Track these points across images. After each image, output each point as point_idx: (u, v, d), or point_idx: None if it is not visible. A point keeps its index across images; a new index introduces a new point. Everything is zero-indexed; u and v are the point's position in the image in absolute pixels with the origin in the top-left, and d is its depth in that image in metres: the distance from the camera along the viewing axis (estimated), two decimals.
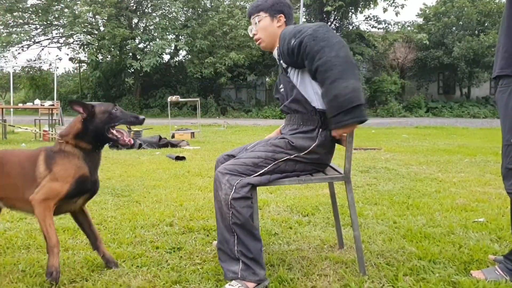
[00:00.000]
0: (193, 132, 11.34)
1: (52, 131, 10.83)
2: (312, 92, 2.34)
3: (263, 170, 2.26)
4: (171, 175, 5.66)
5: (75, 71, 33.47)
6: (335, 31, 2.26)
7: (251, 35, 2.57)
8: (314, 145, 2.32)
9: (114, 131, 2.37)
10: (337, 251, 2.75)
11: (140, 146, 8.66)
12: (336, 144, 2.45)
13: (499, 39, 2.32)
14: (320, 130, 2.33)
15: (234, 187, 2.16)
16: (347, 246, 2.82)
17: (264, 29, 2.48)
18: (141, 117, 2.40)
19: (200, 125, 13.03)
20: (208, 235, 3.08)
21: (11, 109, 14.04)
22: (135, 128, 11.17)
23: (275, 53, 2.49)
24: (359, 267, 2.36)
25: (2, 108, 11.22)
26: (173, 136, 10.90)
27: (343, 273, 2.38)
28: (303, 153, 2.33)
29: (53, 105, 10.81)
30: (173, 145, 9.03)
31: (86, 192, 2.39)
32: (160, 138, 9.26)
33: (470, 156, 7.91)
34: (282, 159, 2.31)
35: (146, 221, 3.42)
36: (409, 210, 3.77)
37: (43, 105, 10.81)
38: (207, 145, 10.08)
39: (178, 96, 12.13)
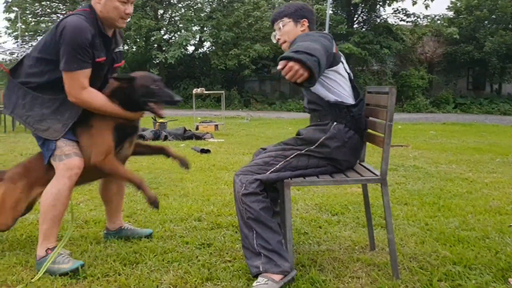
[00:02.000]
0: (217, 125, 11.34)
1: None
2: (322, 88, 2.39)
3: (274, 168, 2.32)
4: (197, 168, 5.68)
5: None
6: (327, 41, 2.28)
7: (274, 41, 2.62)
8: (324, 137, 2.34)
9: (150, 104, 2.44)
10: (369, 252, 2.71)
11: (165, 138, 8.72)
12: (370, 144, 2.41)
13: None
14: (335, 123, 2.36)
15: (244, 184, 2.26)
16: (379, 248, 2.78)
17: (288, 32, 2.52)
18: (177, 98, 2.43)
19: (224, 117, 13.03)
20: (236, 232, 3.06)
21: None
22: (160, 120, 11.25)
23: None
24: (393, 271, 2.31)
25: None
26: (197, 128, 10.93)
27: (375, 276, 2.34)
28: (314, 146, 2.35)
29: None
30: (198, 138, 9.05)
31: (128, 136, 2.55)
32: (185, 130, 9.30)
33: (502, 155, 7.71)
34: (293, 155, 2.35)
35: (175, 215, 3.43)
36: (440, 212, 3.69)
37: None
38: (230, 137, 10.08)
39: (203, 89, 12.17)
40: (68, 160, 2.35)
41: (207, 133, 9.71)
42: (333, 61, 2.35)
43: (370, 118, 2.50)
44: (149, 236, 2.90)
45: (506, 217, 3.59)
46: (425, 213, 3.66)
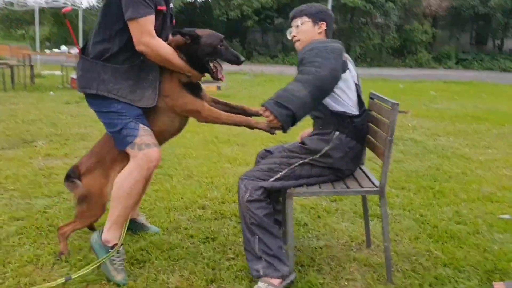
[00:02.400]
0: (219, 86, 11.31)
1: None
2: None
3: (278, 175, 2.40)
4: (200, 141, 5.77)
5: (99, 5, 33.08)
6: (340, 55, 2.37)
7: (289, 37, 2.64)
8: (327, 148, 2.42)
9: (211, 64, 2.43)
10: (365, 250, 2.85)
11: None
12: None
13: None
14: (337, 133, 2.44)
15: (249, 190, 2.34)
16: (375, 245, 2.92)
17: (305, 32, 2.56)
18: (242, 58, 2.40)
19: (226, 73, 12.98)
20: (239, 222, 3.19)
21: (37, 48, 14.13)
22: None
23: None
24: (387, 275, 2.46)
25: (29, 54, 11.32)
26: None
27: (370, 279, 2.49)
28: (317, 156, 2.43)
29: None
30: None
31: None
32: None
33: (498, 125, 7.81)
34: (297, 164, 2.43)
35: (179, 202, 3.56)
36: (435, 199, 3.83)
37: (70, 53, 10.85)
38: (233, 100, 10.07)
39: None
40: (148, 150, 2.34)
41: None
42: (342, 69, 2.40)
43: (372, 125, 2.56)
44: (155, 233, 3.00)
45: (497, 205, 3.73)
46: (421, 200, 3.80)
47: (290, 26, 2.62)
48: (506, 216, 3.43)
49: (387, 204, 2.43)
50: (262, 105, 2.21)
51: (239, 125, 2.55)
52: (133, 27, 2.22)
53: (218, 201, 3.64)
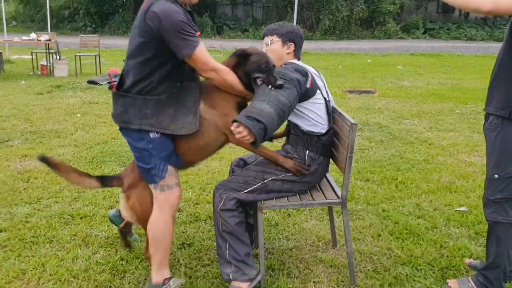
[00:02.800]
0: None
1: (49, 64, 10.78)
2: (297, 118, 2.65)
3: (251, 188, 2.58)
4: None
5: None
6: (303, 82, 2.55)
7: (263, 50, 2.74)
8: None
9: (258, 81, 2.47)
10: (331, 251, 3.07)
11: None
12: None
13: (496, 77, 2.46)
14: (307, 151, 2.64)
15: (223, 200, 2.52)
16: (340, 245, 3.13)
17: (274, 51, 2.70)
18: (280, 82, 2.41)
19: None
20: (213, 225, 3.36)
21: (4, 30, 13.70)
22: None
23: None
24: (350, 278, 2.68)
25: None
26: None
27: (335, 281, 2.71)
28: (290, 174, 2.61)
29: (49, 39, 10.63)
30: None
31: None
32: None
33: (461, 104, 8.12)
34: (270, 179, 2.61)
35: None
36: (397, 191, 4.07)
37: (40, 40, 10.62)
38: None
39: None
40: (170, 192, 2.44)
41: None
42: (308, 94, 2.57)
43: (335, 139, 2.73)
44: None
45: (455, 196, 4.00)
46: (384, 193, 4.03)
47: (264, 43, 2.78)
48: (463, 209, 3.69)
49: (348, 215, 2.63)
50: (234, 121, 2.28)
51: (267, 158, 2.61)
52: (193, 62, 2.28)
53: (193, 202, 3.79)
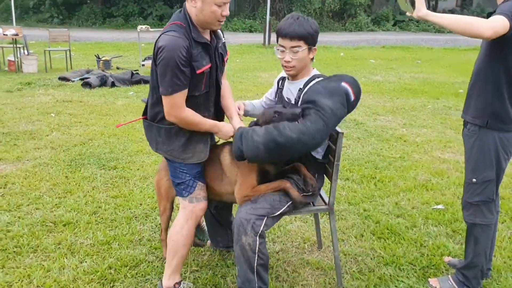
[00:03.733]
0: None
1: (17, 60, 10.50)
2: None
3: (280, 211, 2.46)
4: None
5: None
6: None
7: (279, 57, 2.54)
8: None
9: None
10: (316, 253, 3.14)
11: (113, 85, 8.61)
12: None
13: (473, 86, 2.55)
14: (317, 175, 2.65)
15: (258, 234, 2.33)
16: (325, 246, 3.21)
17: (301, 60, 2.51)
18: (297, 111, 2.36)
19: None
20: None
21: None
22: (104, 57, 10.96)
23: (295, 86, 2.61)
24: (337, 280, 2.76)
25: None
26: (143, 66, 10.79)
27: (323, 283, 2.79)
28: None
29: (16, 34, 10.33)
30: (146, 81, 9.00)
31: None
32: (132, 74, 9.18)
33: (433, 99, 8.33)
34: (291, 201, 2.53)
35: (139, 209, 3.70)
36: (377, 190, 4.18)
37: (6, 35, 10.31)
38: None
39: (148, 26, 11.91)
40: (197, 204, 2.52)
41: None
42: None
43: None
44: None
45: (432, 193, 4.13)
46: (364, 191, 4.14)
47: (281, 46, 2.51)
48: (439, 207, 3.82)
49: (335, 220, 2.70)
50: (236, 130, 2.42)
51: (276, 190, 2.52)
52: (164, 101, 2.31)
53: (177, 206, 3.79)
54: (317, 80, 2.52)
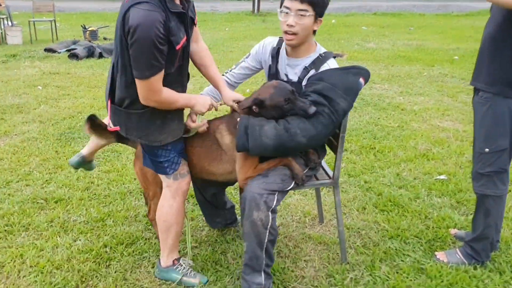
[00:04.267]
0: None
1: (1, 31, 10.14)
2: None
3: (290, 187, 2.33)
4: None
5: None
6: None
7: (282, 19, 2.31)
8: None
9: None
10: (318, 227, 3.05)
11: (100, 56, 8.34)
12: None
13: (484, 51, 2.42)
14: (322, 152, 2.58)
15: (271, 209, 2.20)
16: (326, 220, 3.12)
17: (306, 28, 2.29)
18: (311, 110, 2.17)
19: None
20: (196, 204, 3.24)
21: None
22: (90, 27, 10.63)
23: (299, 63, 2.43)
24: (341, 255, 2.67)
25: None
26: None
27: (326, 259, 2.70)
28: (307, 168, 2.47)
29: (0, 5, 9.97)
30: None
31: None
32: None
33: (428, 66, 8.19)
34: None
35: (133, 184, 3.57)
36: (376, 161, 4.08)
37: None
38: None
39: None
40: (182, 179, 2.37)
41: None
42: None
43: None
44: None
45: (433, 163, 4.04)
46: (363, 162, 4.03)
47: (286, 7, 2.28)
48: (442, 177, 3.73)
49: (340, 194, 2.59)
50: (239, 118, 2.24)
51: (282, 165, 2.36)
52: (140, 85, 2.04)
53: None
54: (331, 66, 2.36)
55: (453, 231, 2.96)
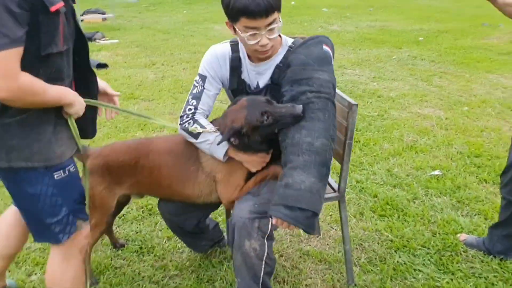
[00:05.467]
0: (104, 17, 10.15)
1: None
2: None
3: None
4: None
5: None
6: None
7: (251, 43, 1.82)
8: None
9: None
10: (315, 240, 2.69)
11: None
12: None
13: None
14: None
15: (266, 236, 1.83)
16: (323, 231, 2.77)
17: (277, 39, 1.93)
18: (297, 111, 1.72)
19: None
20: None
21: None
22: None
23: (268, 66, 1.99)
24: (347, 277, 2.33)
25: None
26: (81, 21, 9.73)
27: (330, 281, 2.35)
28: None
29: None
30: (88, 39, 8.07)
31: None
32: None
33: (396, 49, 7.96)
34: None
35: None
36: (363, 156, 3.76)
37: None
38: (124, 34, 9.21)
39: None
40: (76, 235, 1.72)
41: (97, 32, 8.65)
42: None
43: None
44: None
45: (423, 156, 3.76)
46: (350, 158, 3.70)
47: (251, 28, 1.77)
48: (436, 172, 3.46)
49: (346, 209, 2.25)
50: (270, 215, 1.71)
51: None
52: None
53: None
54: (293, 48, 1.93)
55: (462, 236, 2.67)
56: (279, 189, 1.67)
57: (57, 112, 1.58)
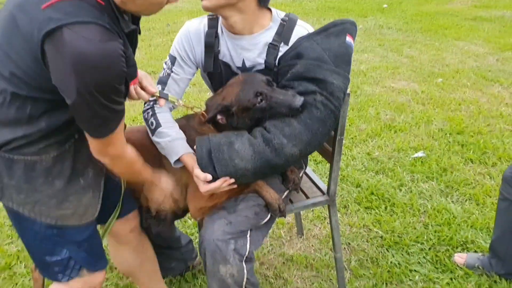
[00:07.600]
0: None
1: None
2: None
3: (267, 219, 1.68)
4: None
5: None
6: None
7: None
8: None
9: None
10: (298, 242, 2.43)
11: None
12: None
13: None
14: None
15: (245, 259, 1.55)
16: (306, 230, 2.51)
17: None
18: (297, 102, 1.46)
19: None
20: None
21: None
22: None
23: (254, 42, 1.66)
24: (339, 285, 2.07)
25: None
26: None
27: None
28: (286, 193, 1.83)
29: None
30: None
31: None
32: None
33: (361, 18, 7.70)
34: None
35: None
36: (351, 141, 3.50)
37: None
38: None
39: None
40: (89, 277, 1.50)
41: None
42: None
43: None
44: None
45: (402, 136, 3.54)
46: None
47: None
48: (420, 154, 3.24)
49: (337, 215, 1.98)
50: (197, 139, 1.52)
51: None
52: (96, 142, 1.29)
53: None
54: (304, 32, 1.63)
55: (459, 259, 2.24)
56: (220, 137, 1.52)
57: (74, 169, 1.37)
